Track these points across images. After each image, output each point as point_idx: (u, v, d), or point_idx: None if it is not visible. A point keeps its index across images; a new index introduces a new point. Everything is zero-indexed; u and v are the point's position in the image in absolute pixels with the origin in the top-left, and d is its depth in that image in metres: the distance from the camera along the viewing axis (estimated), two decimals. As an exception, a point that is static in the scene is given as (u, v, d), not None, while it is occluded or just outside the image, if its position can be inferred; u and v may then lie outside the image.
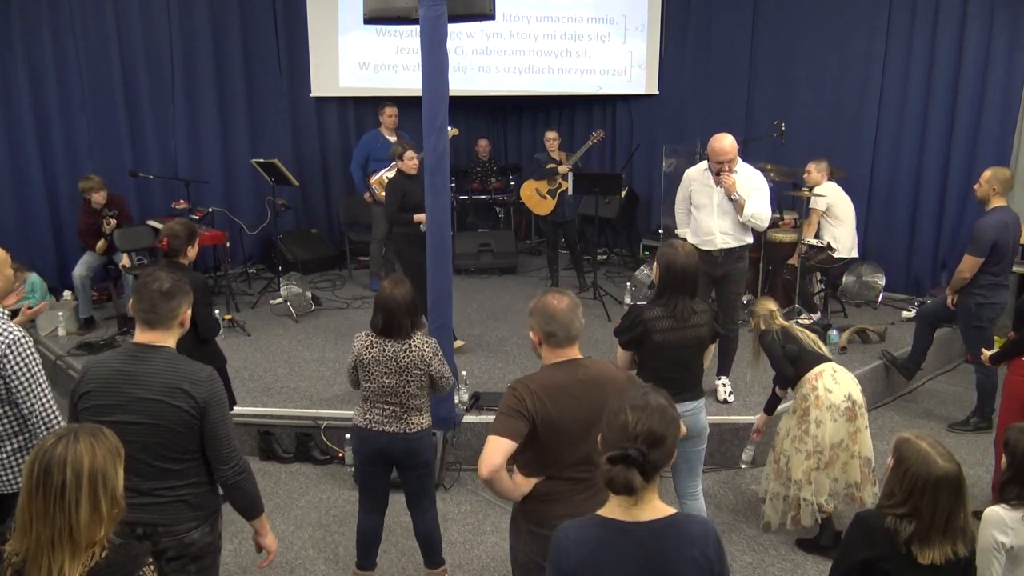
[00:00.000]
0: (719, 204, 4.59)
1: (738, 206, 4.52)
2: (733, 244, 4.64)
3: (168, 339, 2.44)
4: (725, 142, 4.46)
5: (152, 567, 1.78)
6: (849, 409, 3.56)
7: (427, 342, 3.23)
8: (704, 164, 4.68)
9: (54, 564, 1.65)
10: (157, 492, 2.38)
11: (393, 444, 3.22)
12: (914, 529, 2.11)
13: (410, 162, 5.72)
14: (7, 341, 2.59)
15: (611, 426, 1.76)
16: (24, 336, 2.65)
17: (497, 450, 2.28)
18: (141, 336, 2.42)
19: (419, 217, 5.31)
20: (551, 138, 7.35)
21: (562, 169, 7.04)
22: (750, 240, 4.70)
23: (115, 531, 1.79)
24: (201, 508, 2.44)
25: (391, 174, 6.84)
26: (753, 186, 4.58)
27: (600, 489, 2.40)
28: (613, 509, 1.78)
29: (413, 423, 3.23)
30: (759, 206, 4.55)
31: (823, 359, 3.68)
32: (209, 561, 2.53)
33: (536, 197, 7.25)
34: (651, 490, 1.76)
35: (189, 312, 2.50)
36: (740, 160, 4.60)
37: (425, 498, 3.40)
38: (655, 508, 1.77)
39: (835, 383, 3.57)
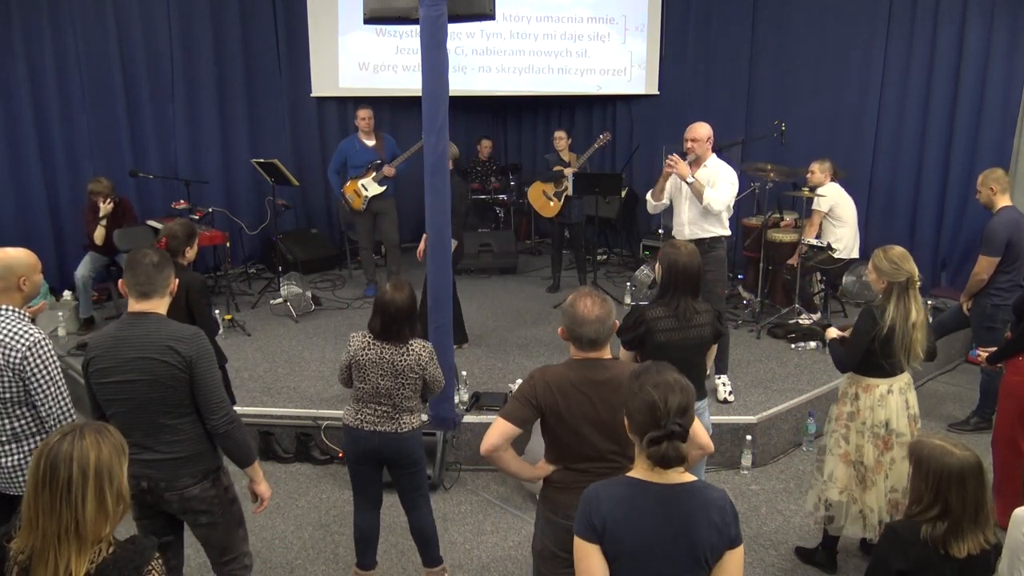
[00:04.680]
0: (687, 194, 4.73)
1: (695, 190, 4.61)
2: (701, 235, 4.72)
3: (160, 307, 2.67)
4: (696, 126, 4.76)
5: (160, 560, 1.80)
6: (883, 437, 3.36)
7: (424, 346, 3.25)
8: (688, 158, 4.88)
9: (60, 560, 1.66)
10: (156, 449, 2.63)
11: (385, 444, 3.23)
12: (947, 526, 2.14)
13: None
14: (28, 343, 2.62)
15: (638, 408, 1.87)
16: (45, 339, 2.68)
17: (496, 431, 2.44)
18: (135, 306, 2.65)
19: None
20: (559, 137, 7.28)
21: (567, 172, 7.03)
22: (721, 232, 4.77)
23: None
24: (195, 465, 2.67)
25: (366, 180, 6.83)
26: (719, 176, 4.71)
27: None
28: (643, 472, 1.90)
29: (404, 423, 3.24)
30: (717, 193, 4.64)
31: (891, 374, 3.36)
32: (220, 512, 2.75)
33: (543, 199, 7.24)
34: None
35: (176, 281, 2.77)
36: (715, 156, 4.78)
37: (419, 496, 3.40)
38: (681, 473, 1.89)
39: (880, 405, 3.35)
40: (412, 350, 3.20)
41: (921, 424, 3.51)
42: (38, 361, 2.63)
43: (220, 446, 2.73)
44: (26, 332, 2.63)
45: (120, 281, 2.68)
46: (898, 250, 3.29)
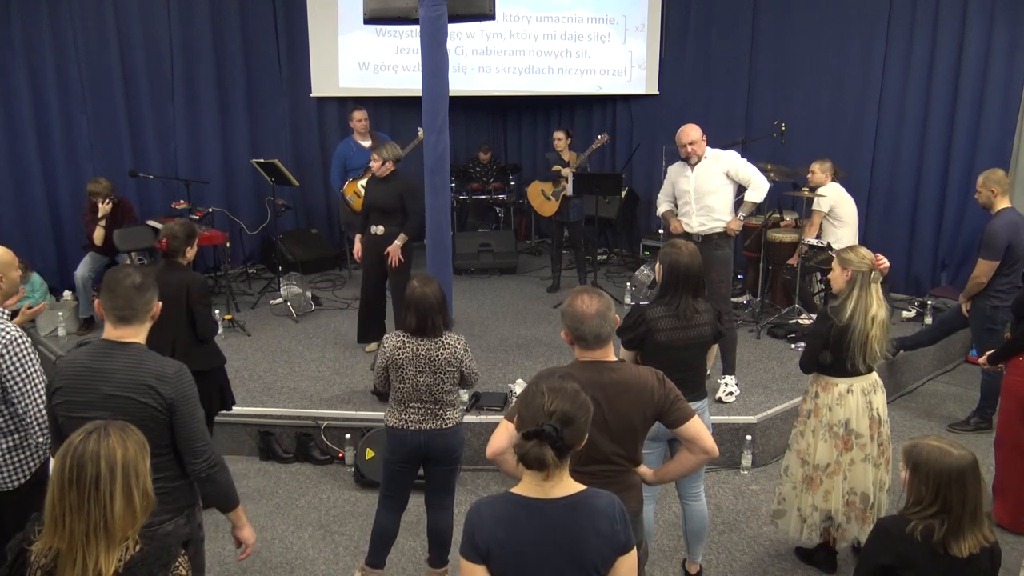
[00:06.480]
0: (695, 188, 4.79)
1: (749, 208, 4.84)
2: (711, 226, 4.80)
3: (140, 334, 2.42)
4: (689, 129, 4.82)
5: (186, 557, 1.79)
6: (842, 437, 3.38)
7: (458, 339, 3.27)
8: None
9: (89, 558, 1.65)
10: None
11: (431, 441, 3.25)
12: (947, 527, 2.15)
13: (373, 163, 5.32)
14: (3, 340, 2.59)
15: (528, 405, 1.86)
16: (21, 336, 2.65)
17: (501, 434, 2.40)
18: (112, 332, 2.39)
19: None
20: (559, 138, 7.27)
21: (564, 172, 7.04)
22: (729, 219, 4.86)
23: None
24: (173, 502, 2.43)
25: (365, 181, 6.82)
26: (728, 163, 4.80)
27: (619, 489, 2.43)
28: (526, 487, 1.86)
29: (448, 418, 3.27)
30: (754, 191, 4.81)
31: (852, 374, 3.37)
32: (191, 551, 2.52)
33: (541, 198, 7.28)
34: (563, 468, 1.85)
35: (159, 304, 2.49)
36: (708, 148, 4.86)
37: (448, 495, 3.43)
38: (566, 486, 1.86)
39: (839, 404, 3.37)
40: (448, 344, 3.22)
41: (889, 426, 3.49)
42: (14, 359, 2.60)
43: (201, 491, 2.51)
44: (2, 330, 2.61)
45: (96, 302, 2.43)
46: (862, 249, 3.41)
